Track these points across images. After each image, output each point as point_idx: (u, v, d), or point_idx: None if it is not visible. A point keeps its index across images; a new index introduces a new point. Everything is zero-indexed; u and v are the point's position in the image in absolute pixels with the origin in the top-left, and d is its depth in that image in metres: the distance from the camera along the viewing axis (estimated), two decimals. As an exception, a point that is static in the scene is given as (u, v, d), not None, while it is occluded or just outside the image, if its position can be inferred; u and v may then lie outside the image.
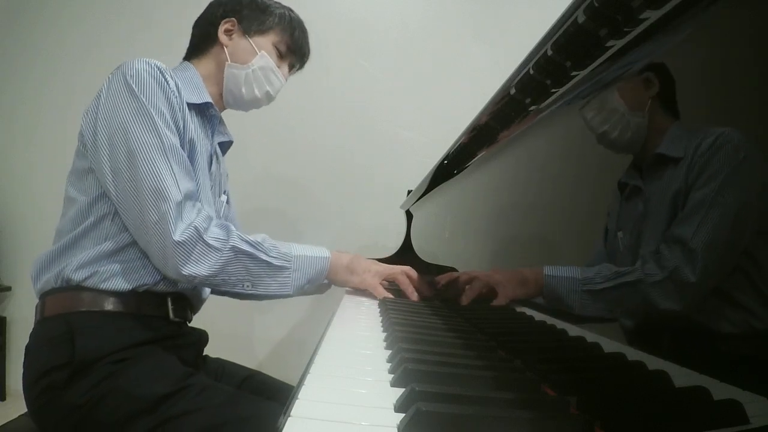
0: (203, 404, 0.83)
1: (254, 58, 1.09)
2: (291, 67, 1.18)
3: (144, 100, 0.89)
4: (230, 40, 1.09)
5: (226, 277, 0.92)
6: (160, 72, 0.93)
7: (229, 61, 1.09)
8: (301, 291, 1.00)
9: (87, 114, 0.94)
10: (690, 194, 0.35)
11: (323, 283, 1.06)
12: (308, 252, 1.00)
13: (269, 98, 1.15)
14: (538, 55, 0.58)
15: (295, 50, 1.15)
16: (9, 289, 2.30)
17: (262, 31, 1.10)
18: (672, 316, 0.36)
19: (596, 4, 0.45)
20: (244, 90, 1.10)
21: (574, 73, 0.55)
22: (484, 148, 0.93)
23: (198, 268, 0.88)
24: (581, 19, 0.48)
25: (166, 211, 0.86)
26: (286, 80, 1.16)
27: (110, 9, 2.25)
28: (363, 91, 2.24)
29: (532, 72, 0.61)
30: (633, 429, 0.38)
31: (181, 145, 0.94)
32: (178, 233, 0.86)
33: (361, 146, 2.23)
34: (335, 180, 2.23)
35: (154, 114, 0.89)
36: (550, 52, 0.55)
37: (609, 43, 0.47)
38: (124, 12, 2.24)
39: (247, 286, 0.95)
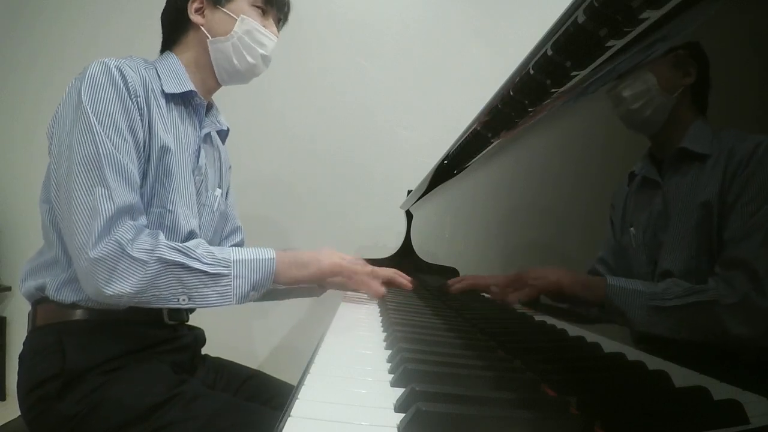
0: (195, 413, 0.82)
1: (234, 24, 1.01)
2: (278, 22, 1.09)
3: (89, 108, 0.83)
4: (203, 17, 1.01)
5: (157, 293, 0.82)
6: (120, 72, 0.87)
7: (210, 38, 1.01)
8: (246, 299, 0.90)
9: (50, 124, 0.90)
10: (737, 206, 0.32)
11: (305, 287, 0.99)
12: (250, 255, 0.90)
13: (266, 61, 1.07)
14: (538, 55, 0.58)
15: (274, 2, 1.05)
16: (9, 289, 2.30)
17: None
18: (742, 339, 0.32)
19: (596, 4, 0.45)
20: (236, 61, 1.03)
21: (574, 73, 0.55)
22: (484, 148, 0.93)
23: (122, 285, 0.79)
24: (581, 19, 0.48)
25: (94, 228, 0.79)
26: (278, 37, 1.07)
27: (110, 9, 2.26)
28: (363, 90, 2.24)
29: (532, 72, 0.61)
30: (633, 429, 0.38)
31: (146, 152, 0.89)
32: (96, 249, 0.78)
33: (360, 146, 2.23)
34: (335, 180, 2.23)
35: (95, 121, 0.83)
36: (550, 52, 0.55)
37: (609, 43, 0.47)
38: (124, 12, 2.24)
39: (183, 300, 0.84)
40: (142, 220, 0.87)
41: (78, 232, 0.80)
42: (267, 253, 0.92)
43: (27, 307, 0.95)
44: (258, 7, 1.03)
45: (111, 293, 0.79)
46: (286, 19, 1.12)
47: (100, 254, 0.78)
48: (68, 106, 0.86)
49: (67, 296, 0.88)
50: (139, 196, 0.88)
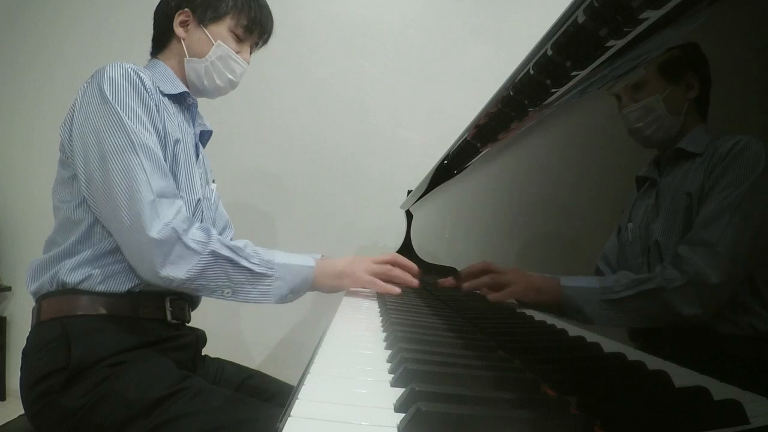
0: (199, 408, 0.83)
1: (211, 48, 1.06)
2: (255, 46, 1.15)
3: (115, 103, 0.88)
4: (186, 32, 1.06)
5: (205, 283, 0.89)
6: (135, 73, 0.92)
7: (188, 56, 1.07)
8: (284, 300, 0.96)
9: (64, 124, 0.94)
10: (710, 196, 0.34)
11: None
12: (292, 260, 0.96)
13: (233, 85, 1.13)
14: (538, 55, 0.58)
15: (253, 30, 1.10)
16: (9, 289, 2.30)
17: (216, 18, 1.06)
18: (695, 321, 0.35)
19: (596, 4, 0.45)
20: (206, 82, 1.09)
21: (574, 73, 0.55)
22: (484, 148, 0.93)
23: (176, 270, 0.86)
24: (581, 19, 0.48)
25: (138, 211, 0.85)
26: (249, 63, 1.13)
27: (110, 9, 2.26)
28: (363, 91, 2.24)
29: (532, 72, 0.61)
30: (633, 429, 0.38)
31: (163, 145, 0.94)
32: (155, 231, 0.84)
33: (360, 146, 2.23)
34: (335, 180, 2.23)
35: (123, 115, 0.88)
36: (550, 52, 0.56)
37: (609, 43, 0.47)
38: (124, 12, 2.24)
39: (227, 293, 0.92)
40: (179, 202, 0.91)
41: (125, 216, 0.85)
42: (308, 261, 0.98)
43: (28, 306, 0.96)
44: (235, 34, 1.09)
45: (164, 275, 0.86)
46: (265, 43, 1.17)
47: (160, 237, 0.85)
48: (88, 105, 0.90)
49: (75, 277, 0.90)
50: (172, 180, 0.93)
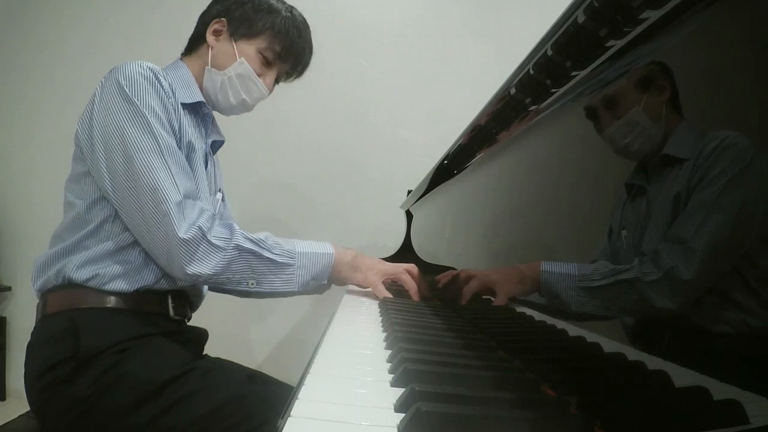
0: (210, 383, 0.84)
1: (232, 64, 1.05)
2: (287, 75, 1.13)
3: (138, 102, 0.88)
4: (217, 41, 1.06)
5: (231, 276, 0.92)
6: (153, 74, 0.92)
7: (209, 65, 1.05)
8: (306, 288, 0.99)
9: (82, 119, 0.93)
10: (692, 195, 0.35)
11: (323, 283, 1.04)
12: (312, 248, 0.99)
13: (245, 106, 1.10)
14: (538, 55, 0.58)
15: (286, 58, 1.08)
16: (9, 289, 2.30)
17: (249, 35, 1.05)
18: (667, 314, 0.36)
19: (596, 4, 0.45)
20: (219, 96, 1.07)
21: (574, 73, 0.55)
22: (484, 148, 0.93)
23: (202, 267, 0.88)
24: (581, 19, 0.48)
25: (167, 211, 0.86)
26: (271, 90, 1.11)
27: (110, 9, 2.26)
28: (363, 91, 2.24)
29: (532, 72, 0.61)
30: (633, 429, 0.38)
31: (177, 146, 0.94)
32: (183, 231, 0.86)
33: (360, 146, 2.23)
34: (335, 180, 2.23)
35: (148, 115, 0.88)
36: (550, 52, 0.56)
37: (609, 43, 0.47)
38: (124, 12, 2.24)
39: (252, 284, 0.94)
40: (201, 203, 0.92)
41: (153, 216, 0.87)
42: (326, 248, 1.01)
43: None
44: (264, 56, 1.06)
45: (191, 273, 0.88)
46: (299, 75, 1.15)
47: (187, 236, 0.87)
48: (109, 102, 0.90)
49: (82, 275, 0.91)
50: (193, 181, 0.95)
